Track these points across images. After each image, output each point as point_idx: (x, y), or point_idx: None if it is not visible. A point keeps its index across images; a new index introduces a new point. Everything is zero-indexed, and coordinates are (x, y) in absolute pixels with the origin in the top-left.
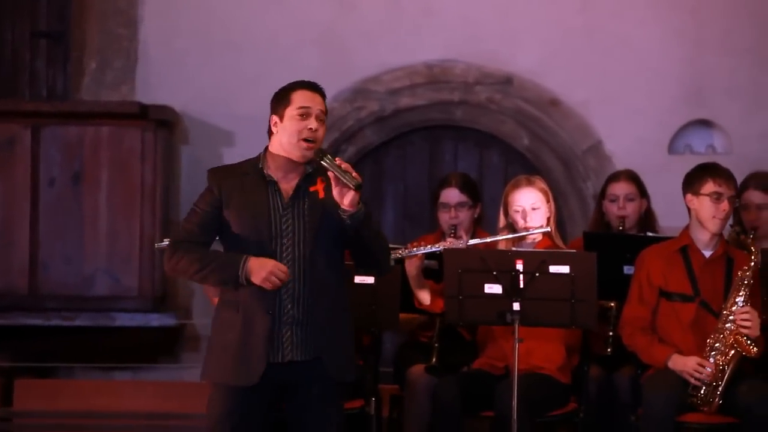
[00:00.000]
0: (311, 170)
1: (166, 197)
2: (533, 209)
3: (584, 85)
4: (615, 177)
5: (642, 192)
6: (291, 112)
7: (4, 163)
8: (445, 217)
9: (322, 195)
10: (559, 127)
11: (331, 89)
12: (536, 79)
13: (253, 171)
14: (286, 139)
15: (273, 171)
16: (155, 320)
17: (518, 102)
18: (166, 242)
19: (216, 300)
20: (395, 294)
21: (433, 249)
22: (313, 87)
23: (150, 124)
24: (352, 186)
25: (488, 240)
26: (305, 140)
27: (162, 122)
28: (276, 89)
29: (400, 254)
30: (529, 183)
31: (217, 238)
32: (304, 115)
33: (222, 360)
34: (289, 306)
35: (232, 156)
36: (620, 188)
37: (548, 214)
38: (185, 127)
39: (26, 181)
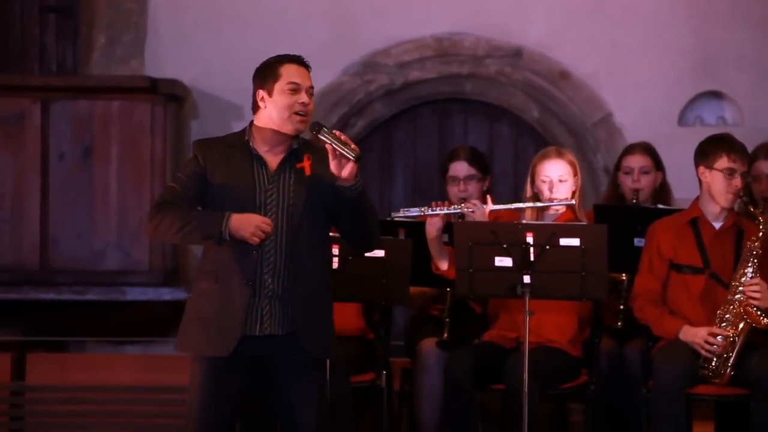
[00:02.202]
0: (297, 146)
1: (175, 171)
2: (560, 181)
3: (594, 57)
4: (630, 149)
5: (657, 165)
6: (281, 86)
7: (14, 138)
8: (454, 190)
9: (308, 172)
10: (569, 99)
11: (340, 63)
12: (546, 51)
13: (238, 143)
14: (276, 113)
15: (259, 145)
16: (166, 294)
17: (528, 74)
18: None
19: None
20: (406, 267)
21: (455, 210)
22: (300, 61)
23: (159, 99)
24: (351, 157)
25: (511, 206)
26: (297, 113)
27: (171, 96)
28: None
29: (421, 213)
30: (559, 154)
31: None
32: (295, 90)
33: (198, 331)
34: (269, 280)
35: None
36: (635, 161)
37: (574, 188)
38: (194, 101)
39: (36, 156)
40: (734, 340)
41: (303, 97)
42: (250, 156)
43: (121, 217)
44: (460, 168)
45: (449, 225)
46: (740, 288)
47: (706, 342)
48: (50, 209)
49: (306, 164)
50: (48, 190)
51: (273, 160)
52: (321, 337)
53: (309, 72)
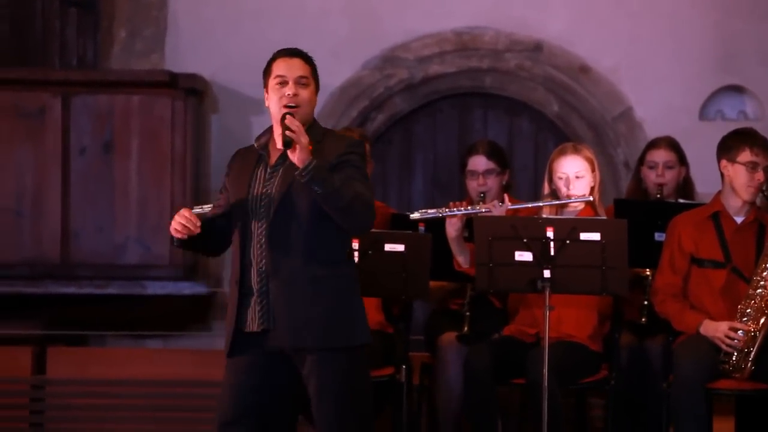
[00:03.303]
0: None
1: (196, 166)
2: (577, 177)
3: (614, 51)
4: (655, 144)
5: (681, 160)
6: (272, 82)
7: (34, 132)
8: (473, 185)
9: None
10: (589, 93)
11: (359, 57)
12: (566, 45)
13: (257, 145)
14: (274, 109)
15: (272, 144)
16: (186, 288)
17: (548, 69)
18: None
19: None
20: (425, 262)
21: (473, 210)
22: (290, 53)
23: (180, 93)
24: (282, 141)
25: (529, 205)
26: (286, 106)
27: (192, 91)
28: None
29: (439, 214)
30: (575, 151)
31: None
32: (282, 83)
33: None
34: (255, 276)
35: (262, 124)
36: (660, 155)
37: (592, 184)
38: (215, 95)
39: (57, 150)
40: (755, 335)
41: (289, 89)
42: (258, 157)
43: (142, 211)
44: (479, 162)
45: (470, 220)
46: (762, 282)
47: (727, 336)
48: (71, 203)
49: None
50: (69, 184)
51: (275, 155)
52: (308, 327)
53: (304, 60)
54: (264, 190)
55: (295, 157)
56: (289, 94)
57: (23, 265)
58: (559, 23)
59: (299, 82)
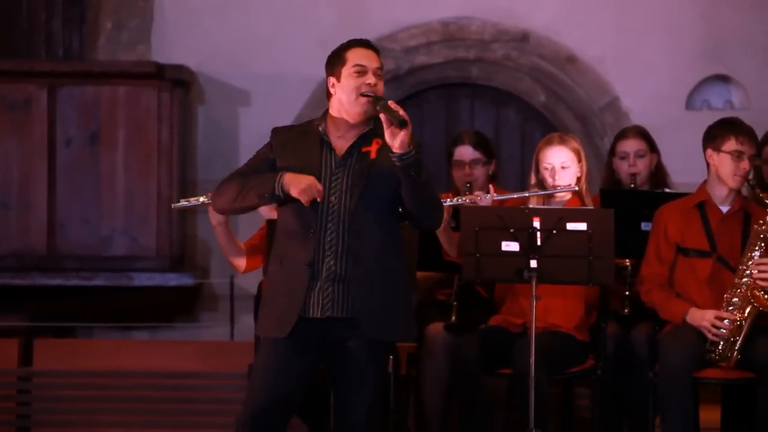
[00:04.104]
0: (367, 130)
1: (182, 157)
2: (563, 168)
3: (600, 41)
4: (623, 134)
5: (652, 147)
6: (347, 70)
7: (21, 123)
8: (459, 175)
9: (373, 156)
10: (576, 83)
11: None
12: (552, 35)
13: (311, 130)
14: (345, 97)
15: (331, 131)
16: (173, 280)
17: (535, 59)
18: (183, 202)
19: (234, 260)
20: (412, 253)
21: (459, 202)
22: (367, 44)
23: (166, 84)
24: (396, 122)
25: (515, 195)
26: (364, 95)
27: (178, 82)
28: (291, 48)
29: None
30: (561, 141)
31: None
32: (361, 72)
33: (264, 312)
34: (332, 262)
35: (249, 116)
36: (630, 145)
37: (579, 174)
38: (201, 86)
39: (43, 141)
40: (741, 324)
41: (370, 78)
42: (321, 142)
43: (128, 202)
44: (465, 152)
45: (457, 210)
46: (747, 272)
47: (713, 325)
48: (57, 195)
49: (373, 148)
50: (55, 175)
51: (342, 146)
52: (382, 320)
53: (377, 54)
54: (335, 178)
55: (397, 140)
56: (369, 83)
57: (10, 257)
58: (545, 13)
59: (376, 73)
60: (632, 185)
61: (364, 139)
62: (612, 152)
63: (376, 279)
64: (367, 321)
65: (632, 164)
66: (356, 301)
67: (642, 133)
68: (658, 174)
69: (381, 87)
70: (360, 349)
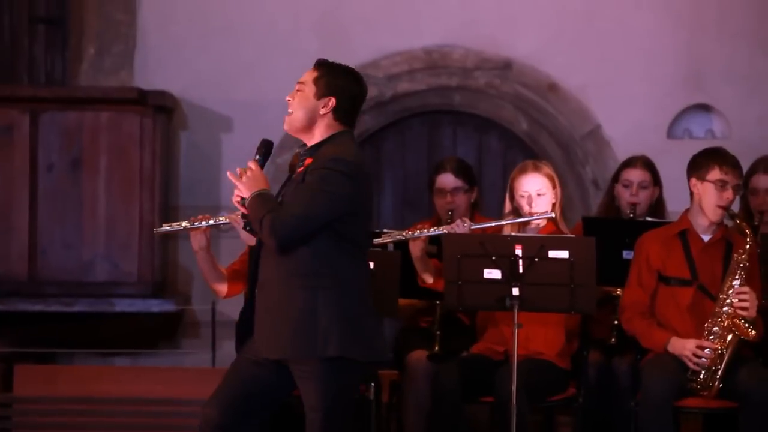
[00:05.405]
0: (305, 152)
1: (165, 183)
2: (538, 195)
3: (583, 69)
4: (630, 163)
5: (655, 180)
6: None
7: (2, 149)
8: (441, 203)
9: (295, 176)
10: (558, 111)
11: None
12: (535, 64)
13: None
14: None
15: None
16: (155, 306)
17: (517, 87)
18: (165, 227)
19: (215, 285)
20: (395, 280)
21: (437, 232)
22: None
23: (149, 110)
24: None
25: (492, 224)
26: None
27: (161, 108)
28: (274, 74)
29: (404, 237)
30: (536, 168)
31: None
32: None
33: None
34: (254, 288)
35: (231, 142)
36: (635, 174)
37: (554, 200)
38: (184, 112)
39: (25, 167)
40: (722, 353)
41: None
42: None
43: (110, 228)
44: (447, 180)
45: (438, 237)
46: (728, 300)
47: (694, 354)
48: (38, 220)
49: (299, 169)
50: (36, 201)
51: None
52: (274, 340)
53: (313, 69)
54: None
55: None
56: (288, 100)
57: None
58: (528, 42)
59: (297, 88)
60: (631, 214)
61: (302, 160)
62: (615, 178)
63: (276, 300)
64: (265, 342)
65: (634, 194)
66: (258, 324)
67: (648, 165)
68: (658, 207)
69: (296, 102)
70: (298, 371)
